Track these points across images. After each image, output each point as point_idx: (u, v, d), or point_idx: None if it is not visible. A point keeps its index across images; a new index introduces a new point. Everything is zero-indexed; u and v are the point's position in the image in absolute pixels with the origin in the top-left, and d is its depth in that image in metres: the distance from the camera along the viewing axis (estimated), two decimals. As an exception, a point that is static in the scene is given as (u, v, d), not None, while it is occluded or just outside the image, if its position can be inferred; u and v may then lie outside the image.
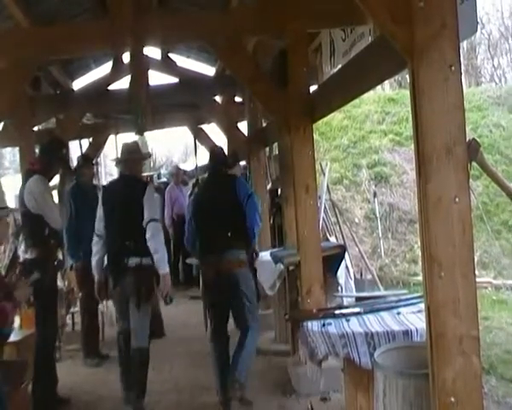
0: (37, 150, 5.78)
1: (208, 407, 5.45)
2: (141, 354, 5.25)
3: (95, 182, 9.30)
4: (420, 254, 2.95)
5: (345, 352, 3.89)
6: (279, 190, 8.23)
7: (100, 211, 5.48)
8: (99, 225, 5.47)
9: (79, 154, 9.27)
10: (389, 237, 12.30)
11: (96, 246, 5.47)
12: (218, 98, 10.53)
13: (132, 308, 5.23)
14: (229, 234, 5.39)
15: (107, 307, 7.92)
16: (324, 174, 10.28)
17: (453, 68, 2.66)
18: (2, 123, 7.72)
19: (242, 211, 5.44)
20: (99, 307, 7.31)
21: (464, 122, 2.69)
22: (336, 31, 5.77)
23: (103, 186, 6.13)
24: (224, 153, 6.04)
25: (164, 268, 5.20)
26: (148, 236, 5.14)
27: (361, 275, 9.85)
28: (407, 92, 13.44)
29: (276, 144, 8.54)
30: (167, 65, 9.83)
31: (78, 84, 10.23)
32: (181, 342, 7.42)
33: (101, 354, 7.12)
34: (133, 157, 5.56)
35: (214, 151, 6.04)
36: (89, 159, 7.71)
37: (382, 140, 14.41)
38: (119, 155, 5.73)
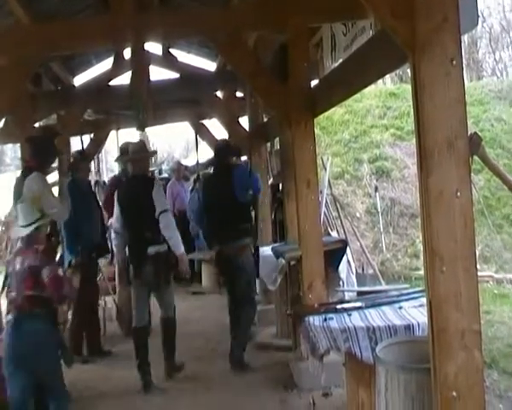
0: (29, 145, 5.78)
1: (211, 402, 5.47)
2: (167, 324, 6.06)
3: (96, 178, 9.30)
4: (421, 248, 2.95)
5: (346, 346, 3.89)
6: (280, 185, 8.24)
7: (117, 210, 6.11)
8: (116, 223, 6.15)
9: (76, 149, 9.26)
10: (391, 232, 12.30)
11: (116, 241, 6.22)
12: (219, 93, 10.51)
13: (156, 290, 5.97)
14: (230, 230, 6.16)
15: (107, 303, 7.95)
16: (325, 169, 10.27)
17: (454, 62, 2.65)
18: (4, 119, 7.71)
19: (240, 204, 6.21)
20: (100, 302, 7.33)
21: (466, 116, 2.68)
22: (337, 25, 5.75)
23: (118, 187, 6.52)
24: (227, 145, 6.41)
25: (179, 250, 5.89)
26: (161, 226, 5.78)
27: (362, 270, 9.85)
28: (408, 87, 13.46)
29: (277, 139, 8.53)
30: (168, 60, 9.81)
31: (79, 80, 10.21)
32: (183, 337, 7.39)
33: (103, 350, 7.13)
34: (139, 156, 6.05)
35: (217, 146, 6.41)
36: (84, 154, 7.71)
37: (384, 134, 14.41)
38: (129, 155, 6.25)
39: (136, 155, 6.03)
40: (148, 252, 5.80)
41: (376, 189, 12.41)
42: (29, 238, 4.34)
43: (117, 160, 8.53)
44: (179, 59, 10.09)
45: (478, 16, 3.10)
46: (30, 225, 4.38)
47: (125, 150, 7.95)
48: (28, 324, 4.11)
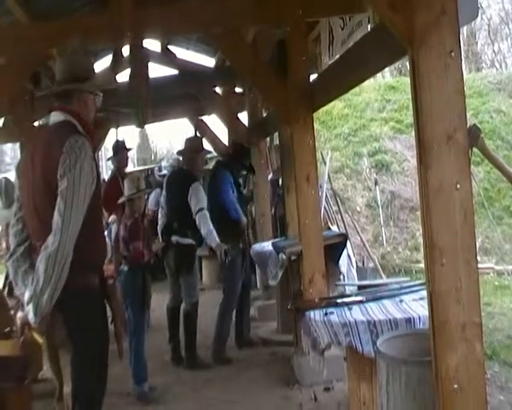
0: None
1: (211, 399, 5.46)
2: (185, 317, 6.42)
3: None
4: (422, 241, 2.95)
5: (347, 341, 3.89)
6: (280, 180, 8.23)
7: (162, 198, 6.83)
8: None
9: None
10: (391, 225, 12.30)
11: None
12: (218, 89, 10.51)
13: (179, 277, 6.38)
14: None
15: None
16: (325, 163, 10.27)
17: (453, 54, 2.65)
18: (3, 119, 7.69)
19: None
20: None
21: (465, 108, 2.68)
22: (335, 20, 5.73)
23: (167, 176, 7.14)
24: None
25: (213, 242, 6.29)
26: (197, 223, 6.21)
27: (363, 263, 9.84)
28: (407, 79, 13.40)
29: (276, 134, 8.53)
30: (167, 57, 9.78)
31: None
32: (181, 333, 7.42)
33: None
34: (190, 156, 6.55)
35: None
36: None
37: (383, 128, 14.38)
38: (181, 150, 6.89)
39: (190, 154, 6.54)
40: (172, 240, 6.33)
41: (376, 182, 12.41)
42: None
43: (110, 159, 8.57)
44: (178, 55, 10.08)
45: (478, 8, 3.09)
46: None
47: (117, 149, 7.96)
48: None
